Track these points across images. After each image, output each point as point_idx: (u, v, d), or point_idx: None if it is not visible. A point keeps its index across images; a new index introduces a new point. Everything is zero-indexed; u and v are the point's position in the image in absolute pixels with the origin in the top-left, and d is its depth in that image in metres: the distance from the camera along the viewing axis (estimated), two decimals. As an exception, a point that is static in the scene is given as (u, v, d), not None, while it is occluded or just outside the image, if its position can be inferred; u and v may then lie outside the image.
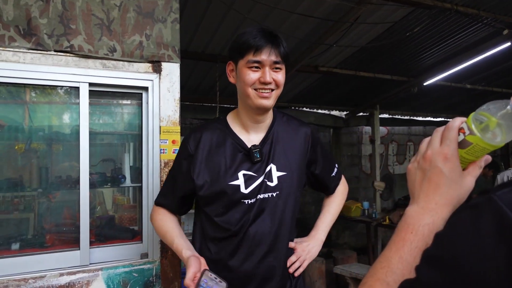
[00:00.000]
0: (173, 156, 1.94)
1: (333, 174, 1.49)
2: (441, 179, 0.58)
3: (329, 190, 1.51)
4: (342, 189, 1.55)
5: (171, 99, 2.02)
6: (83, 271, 1.78)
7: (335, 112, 6.67)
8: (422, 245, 0.55)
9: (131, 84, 2.01)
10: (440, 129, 0.62)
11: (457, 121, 0.61)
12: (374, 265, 0.61)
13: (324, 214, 1.48)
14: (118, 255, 1.97)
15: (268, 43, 1.18)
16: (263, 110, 1.24)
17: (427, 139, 0.63)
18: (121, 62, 1.99)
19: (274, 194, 1.25)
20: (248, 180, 1.23)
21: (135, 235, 2.11)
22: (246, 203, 1.22)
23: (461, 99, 6.57)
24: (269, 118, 1.32)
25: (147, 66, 2.03)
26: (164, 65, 2.05)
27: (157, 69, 2.04)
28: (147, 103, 2.03)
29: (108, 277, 1.86)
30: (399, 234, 0.60)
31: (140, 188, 2.05)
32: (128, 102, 2.23)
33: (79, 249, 1.84)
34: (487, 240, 0.43)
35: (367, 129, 6.97)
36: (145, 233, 2.01)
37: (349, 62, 4.82)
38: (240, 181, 1.22)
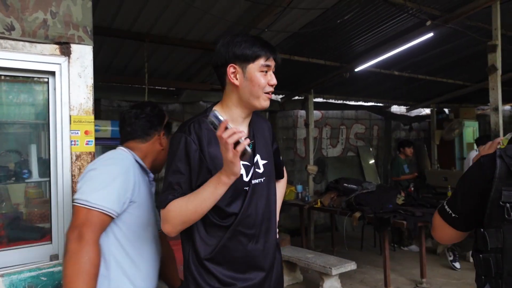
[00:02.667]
0: (86, 149, 1.81)
1: (280, 158, 1.69)
2: None
3: (281, 174, 1.70)
4: (285, 173, 1.79)
5: (83, 86, 1.84)
6: (-23, 280, 1.60)
7: (271, 96, 6.69)
8: None
9: (33, 68, 1.80)
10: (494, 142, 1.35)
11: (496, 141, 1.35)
12: None
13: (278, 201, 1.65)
14: (24, 258, 1.79)
15: (274, 51, 1.37)
16: (263, 110, 1.44)
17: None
18: (21, 43, 1.76)
19: (262, 180, 1.43)
20: (246, 170, 1.38)
21: (44, 235, 1.93)
22: (246, 189, 1.37)
23: (390, 85, 6.91)
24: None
25: (54, 48, 1.81)
26: (74, 47, 1.85)
27: (66, 52, 1.83)
28: (55, 89, 1.83)
29: (11, 283, 1.68)
30: None
31: (49, 183, 1.87)
32: (34, 88, 2.00)
33: (-27, 255, 1.65)
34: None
35: (302, 113, 7.09)
36: (55, 232, 1.84)
37: (283, 46, 4.80)
38: (242, 171, 1.35)
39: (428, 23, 4.29)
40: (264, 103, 1.37)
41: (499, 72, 3.95)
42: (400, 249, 5.81)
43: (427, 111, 8.77)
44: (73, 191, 1.81)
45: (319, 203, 5.10)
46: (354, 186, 4.84)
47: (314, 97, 6.61)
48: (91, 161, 1.84)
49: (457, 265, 4.83)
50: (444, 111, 8.63)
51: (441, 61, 5.85)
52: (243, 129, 1.42)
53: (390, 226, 4.19)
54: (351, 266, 4.14)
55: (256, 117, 1.51)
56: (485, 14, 4.16)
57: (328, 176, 6.96)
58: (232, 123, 1.34)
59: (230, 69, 1.35)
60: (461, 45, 5.22)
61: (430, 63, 5.88)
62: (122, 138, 1.68)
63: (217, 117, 1.19)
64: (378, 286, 4.39)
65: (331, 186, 5.16)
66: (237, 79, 1.35)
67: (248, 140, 1.16)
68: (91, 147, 1.85)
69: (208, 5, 3.53)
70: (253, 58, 1.33)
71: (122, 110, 5.39)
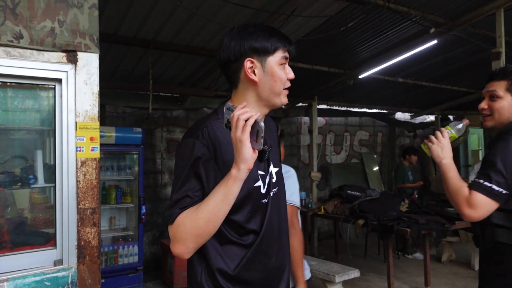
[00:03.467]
0: (91, 155, 1.83)
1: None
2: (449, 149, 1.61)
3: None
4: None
5: (89, 93, 1.88)
6: (-17, 285, 1.63)
7: (275, 102, 6.71)
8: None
9: (41, 75, 1.84)
10: (438, 132, 1.66)
11: (445, 131, 1.65)
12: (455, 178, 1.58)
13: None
14: (28, 263, 1.81)
15: (291, 41, 1.24)
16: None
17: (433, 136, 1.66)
18: (29, 51, 1.80)
19: (276, 190, 1.28)
20: (263, 180, 1.23)
21: (48, 240, 1.95)
22: (264, 202, 1.23)
23: (394, 92, 6.91)
24: None
25: (61, 55, 1.85)
26: (81, 55, 1.89)
27: (72, 60, 1.87)
28: (61, 96, 1.87)
29: (16, 288, 1.69)
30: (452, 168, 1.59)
31: (54, 188, 1.89)
32: (41, 94, 2.03)
33: (-21, 260, 1.67)
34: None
35: (306, 119, 7.10)
36: (59, 237, 1.86)
37: (288, 54, 4.82)
38: (260, 182, 1.22)
39: (432, 30, 4.30)
40: (284, 100, 1.25)
41: (503, 79, 3.94)
42: (404, 256, 5.77)
43: (431, 118, 8.74)
44: (78, 197, 1.84)
45: (322, 210, 5.09)
46: (357, 193, 4.84)
47: (318, 104, 6.62)
48: (96, 167, 1.86)
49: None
50: (449, 118, 8.61)
51: (445, 68, 5.85)
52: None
53: (393, 233, 4.17)
54: (355, 273, 4.11)
55: (267, 119, 1.36)
56: (489, 22, 4.16)
57: (332, 183, 6.94)
58: None
59: (247, 64, 1.18)
60: (465, 52, 5.22)
61: (434, 70, 5.88)
62: None
63: (230, 109, 1.07)
64: (382, 294, 4.37)
65: (335, 193, 5.15)
66: (255, 74, 1.19)
67: (259, 114, 1.04)
68: (96, 153, 1.87)
69: (212, 12, 3.56)
70: (273, 50, 1.20)
71: (126, 116, 5.44)
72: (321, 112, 7.04)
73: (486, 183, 1.49)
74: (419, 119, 8.78)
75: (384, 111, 8.23)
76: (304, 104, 6.81)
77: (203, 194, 1.12)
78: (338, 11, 3.89)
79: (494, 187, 1.48)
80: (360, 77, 5.49)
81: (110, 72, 4.86)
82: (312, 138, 6.40)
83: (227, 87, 5.79)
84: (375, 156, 8.19)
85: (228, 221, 1.14)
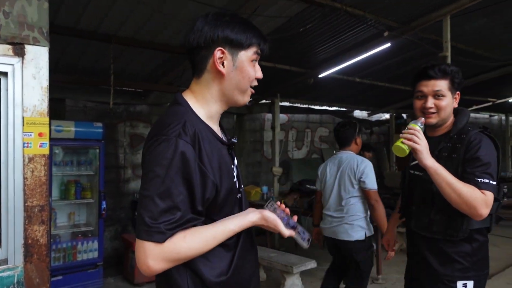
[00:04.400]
0: (40, 151, 1.80)
1: None
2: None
3: None
4: None
5: (37, 87, 1.83)
6: None
7: (239, 99, 6.80)
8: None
9: (-16, 68, 1.77)
10: (415, 131, 1.63)
11: (418, 129, 1.64)
12: (451, 178, 1.60)
13: None
14: (-31, 265, 1.76)
15: (266, 39, 1.17)
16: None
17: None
18: (-28, 42, 1.74)
19: (242, 184, 1.26)
20: (236, 175, 1.20)
21: (-7, 239, 1.89)
22: (238, 197, 1.18)
23: (352, 91, 7.19)
24: None
25: (6, 48, 1.79)
26: (29, 48, 1.83)
27: (19, 53, 1.81)
28: (7, 90, 1.81)
29: (-43, 287, 1.67)
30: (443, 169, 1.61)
31: (-1, 186, 1.84)
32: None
33: None
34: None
35: (269, 116, 7.25)
36: (4, 236, 1.80)
37: (250, 52, 4.92)
38: (235, 177, 1.17)
39: (386, 33, 4.54)
40: (247, 99, 1.18)
41: (449, 81, 4.24)
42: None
43: (387, 116, 9.18)
44: (25, 194, 1.78)
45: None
46: (315, 187, 5.03)
47: (281, 101, 6.79)
48: (45, 163, 1.83)
49: None
50: (402, 117, 9.08)
51: (399, 69, 6.16)
52: (216, 128, 1.18)
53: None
54: (312, 264, 4.31)
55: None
56: (437, 27, 4.44)
57: (293, 178, 7.14)
58: (210, 120, 1.15)
59: (218, 53, 1.09)
60: (416, 55, 5.53)
61: (388, 71, 6.18)
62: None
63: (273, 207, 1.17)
64: (337, 283, 4.58)
65: (295, 188, 5.33)
66: (224, 66, 1.10)
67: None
68: (45, 150, 1.83)
69: (175, 10, 3.60)
70: (247, 45, 1.12)
71: (87, 110, 5.36)
72: (284, 109, 7.22)
73: (492, 182, 1.61)
74: (376, 117, 9.19)
75: (343, 109, 8.55)
76: (267, 101, 6.95)
77: (192, 202, 1.01)
78: (297, 12, 4.03)
79: (495, 184, 1.63)
80: (320, 76, 5.69)
81: (70, 66, 4.77)
82: (275, 134, 6.56)
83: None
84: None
85: (210, 220, 1.08)
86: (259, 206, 4.91)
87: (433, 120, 1.78)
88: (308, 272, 4.61)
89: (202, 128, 1.08)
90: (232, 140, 1.16)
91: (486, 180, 1.59)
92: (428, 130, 1.84)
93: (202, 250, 1.02)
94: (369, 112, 9.04)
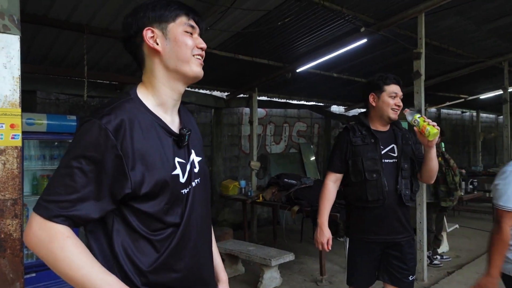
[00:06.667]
0: (11, 143, 1.75)
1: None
2: None
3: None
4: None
5: (9, 77, 1.77)
6: None
7: (216, 93, 6.76)
8: None
9: (-48, 57, 1.71)
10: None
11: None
12: None
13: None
14: None
15: (196, 11, 1.16)
16: (196, 81, 1.17)
17: None
18: None
19: (199, 181, 1.18)
20: (182, 168, 1.12)
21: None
22: (183, 193, 1.11)
23: (330, 86, 7.27)
24: None
25: None
26: None
27: None
28: None
29: None
30: None
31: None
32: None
33: None
34: None
35: (247, 110, 7.25)
36: None
37: (228, 45, 4.90)
38: (178, 170, 1.10)
39: (362, 29, 4.60)
40: (196, 68, 1.13)
41: (423, 77, 4.35)
42: (337, 239, 6.16)
43: (363, 111, 9.34)
44: None
45: (261, 198, 5.27)
46: (293, 181, 5.08)
47: (259, 96, 6.79)
48: (17, 156, 1.78)
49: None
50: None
51: (375, 65, 6.27)
52: (174, 117, 1.18)
53: (325, 218, 4.46)
54: (290, 257, 4.35)
55: (183, 109, 1.26)
56: (412, 24, 4.54)
57: (271, 172, 7.17)
58: (162, 108, 1.13)
59: (148, 33, 1.09)
60: (391, 51, 5.64)
61: (365, 66, 6.28)
62: None
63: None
64: (315, 275, 4.65)
65: (273, 182, 5.36)
66: (157, 44, 1.10)
67: None
68: (18, 141, 1.79)
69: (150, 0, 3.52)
70: (173, 17, 1.11)
71: (59, 103, 5.19)
72: (262, 104, 7.22)
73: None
74: (352, 112, 9.35)
75: (321, 104, 8.64)
76: (245, 96, 6.94)
77: (96, 194, 0.97)
78: (276, 6, 4.02)
79: None
80: (298, 71, 5.72)
81: (40, 56, 4.60)
82: (253, 128, 6.56)
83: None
84: (312, 146, 8.58)
85: (138, 212, 1.03)
86: (237, 200, 4.90)
87: (397, 116, 2.35)
88: (286, 265, 4.66)
89: (142, 116, 1.05)
90: (182, 131, 1.11)
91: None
92: (381, 125, 2.39)
93: (56, 264, 0.95)
94: (346, 107, 9.17)
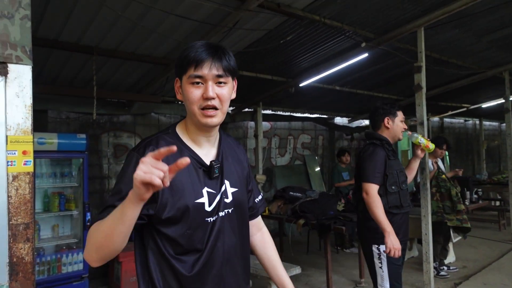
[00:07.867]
0: (24, 169, 1.81)
1: (260, 198, 1.53)
2: None
3: (257, 213, 1.52)
4: (267, 230, 1.61)
5: (21, 105, 1.82)
6: None
7: (222, 108, 6.86)
8: None
9: (-34, 87, 1.76)
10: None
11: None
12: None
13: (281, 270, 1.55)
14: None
15: (210, 56, 1.14)
16: (211, 128, 1.22)
17: None
18: (-48, 61, 1.73)
19: (230, 211, 1.24)
20: (210, 198, 1.19)
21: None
22: (209, 221, 1.18)
23: (332, 99, 7.35)
24: (217, 133, 1.31)
25: None
26: (12, 67, 1.83)
27: (2, 72, 1.81)
28: None
29: None
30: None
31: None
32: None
33: None
34: None
35: (252, 124, 7.35)
36: None
37: (232, 62, 5.01)
38: (205, 199, 1.17)
39: (363, 44, 4.70)
40: (203, 120, 1.17)
41: (424, 90, 4.41)
42: (343, 251, 6.19)
43: (366, 122, 9.42)
44: (9, 212, 1.77)
45: (267, 211, 5.32)
46: (298, 194, 5.13)
47: (263, 109, 6.90)
48: (29, 181, 1.82)
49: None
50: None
51: (376, 78, 6.35)
52: (211, 149, 1.26)
53: (331, 231, 4.51)
54: (296, 270, 4.38)
55: (227, 139, 1.34)
56: (412, 38, 4.62)
57: (276, 184, 7.23)
58: (192, 143, 1.23)
59: (177, 84, 1.23)
60: (392, 64, 5.72)
61: (367, 79, 6.36)
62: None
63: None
64: (321, 288, 4.68)
65: (278, 195, 5.41)
66: (180, 93, 1.22)
67: (187, 160, 0.92)
68: (30, 167, 1.83)
69: (155, 23, 3.67)
70: (184, 68, 1.17)
71: (70, 121, 5.34)
72: (266, 117, 7.33)
73: None
74: (356, 123, 9.41)
75: (324, 116, 8.74)
76: (250, 110, 7.05)
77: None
78: (277, 25, 4.15)
79: None
80: (301, 85, 5.82)
81: (52, 77, 4.77)
82: (258, 142, 6.65)
83: (174, 93, 5.89)
84: (316, 158, 8.64)
85: (163, 235, 1.14)
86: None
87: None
88: (293, 278, 4.63)
89: (177, 147, 1.08)
90: (212, 163, 1.20)
91: None
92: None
93: (101, 240, 1.03)
94: (349, 118, 9.25)
